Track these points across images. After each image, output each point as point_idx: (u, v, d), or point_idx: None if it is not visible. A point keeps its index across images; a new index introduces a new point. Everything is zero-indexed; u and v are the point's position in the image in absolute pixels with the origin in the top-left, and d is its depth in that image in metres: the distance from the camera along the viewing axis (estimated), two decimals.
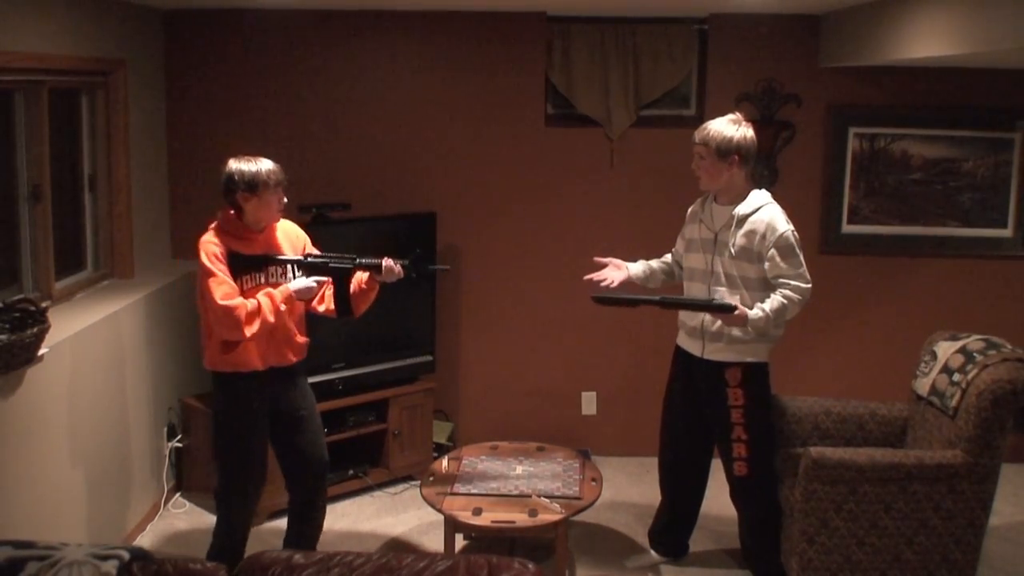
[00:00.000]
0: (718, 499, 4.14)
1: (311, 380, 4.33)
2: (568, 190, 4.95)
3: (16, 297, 3.27)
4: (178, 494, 4.56)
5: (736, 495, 3.78)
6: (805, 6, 4.45)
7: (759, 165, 4.81)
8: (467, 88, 4.88)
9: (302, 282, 3.43)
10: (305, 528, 3.72)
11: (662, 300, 3.57)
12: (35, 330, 3.12)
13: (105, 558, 2.22)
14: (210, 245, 3.33)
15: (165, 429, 4.48)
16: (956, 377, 3.52)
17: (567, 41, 4.79)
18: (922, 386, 3.75)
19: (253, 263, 3.39)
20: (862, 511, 3.42)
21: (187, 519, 4.34)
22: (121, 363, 4.01)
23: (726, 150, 3.49)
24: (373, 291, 3.55)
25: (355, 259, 3.46)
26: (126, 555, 2.25)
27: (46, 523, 3.37)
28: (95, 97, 4.24)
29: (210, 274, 3.28)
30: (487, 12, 4.77)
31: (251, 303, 3.29)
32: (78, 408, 3.61)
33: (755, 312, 3.46)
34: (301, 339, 3.56)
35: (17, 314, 3.17)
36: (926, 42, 3.59)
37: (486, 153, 4.93)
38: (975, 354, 3.53)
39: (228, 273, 3.31)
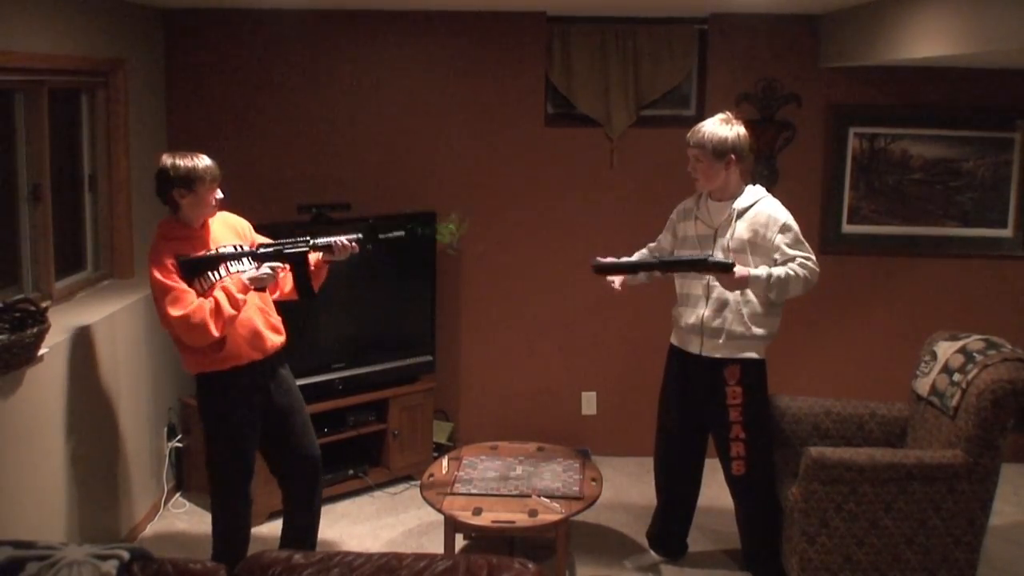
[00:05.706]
0: (718, 499, 4.14)
1: (311, 380, 4.36)
2: (568, 190, 4.95)
3: (16, 297, 3.27)
4: (178, 494, 4.56)
5: (734, 494, 3.78)
6: (805, 6, 4.44)
7: (759, 165, 4.82)
8: (467, 88, 4.88)
9: (257, 271, 3.36)
10: (301, 528, 3.71)
11: (660, 262, 3.61)
12: (35, 330, 3.12)
13: (105, 558, 2.22)
14: (159, 257, 3.27)
15: (165, 429, 4.48)
16: (956, 377, 3.52)
17: (567, 41, 4.79)
18: (922, 386, 3.75)
19: (207, 263, 3.32)
20: (862, 511, 3.42)
21: (187, 519, 4.34)
22: (121, 363, 4.01)
23: (722, 151, 3.50)
24: (324, 270, 3.56)
25: (308, 241, 3.44)
26: (126, 555, 2.25)
27: (46, 523, 3.37)
28: (95, 97, 4.24)
29: (164, 291, 3.23)
30: (487, 12, 4.77)
31: (208, 303, 3.24)
32: (78, 408, 3.60)
33: (759, 271, 3.43)
34: (276, 319, 3.56)
35: (17, 314, 3.17)
36: (926, 42, 3.59)
37: (486, 153, 4.93)
38: (975, 354, 3.53)
39: (180, 282, 3.27)
